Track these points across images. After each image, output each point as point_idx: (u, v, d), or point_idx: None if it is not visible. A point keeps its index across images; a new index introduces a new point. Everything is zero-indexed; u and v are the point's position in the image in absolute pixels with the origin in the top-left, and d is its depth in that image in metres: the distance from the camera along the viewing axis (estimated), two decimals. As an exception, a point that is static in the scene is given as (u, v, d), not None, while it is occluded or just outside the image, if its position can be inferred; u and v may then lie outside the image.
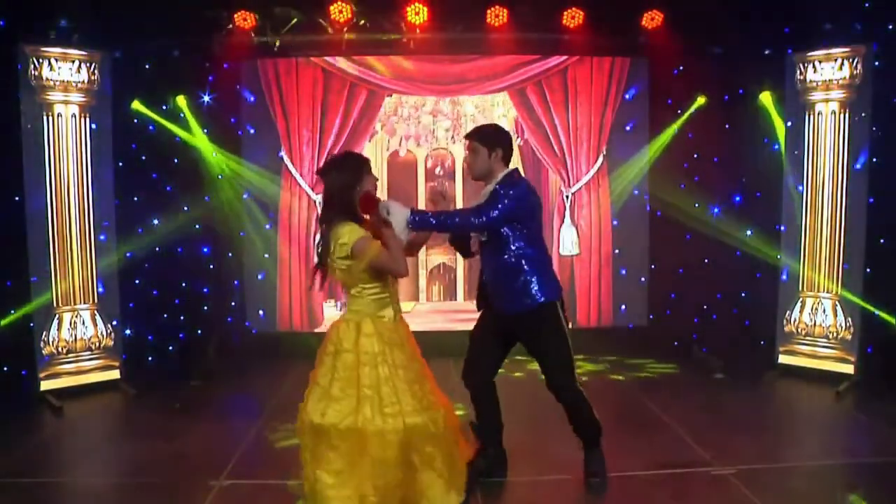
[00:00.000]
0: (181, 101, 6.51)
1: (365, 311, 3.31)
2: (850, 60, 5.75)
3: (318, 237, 3.47)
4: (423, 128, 7.13)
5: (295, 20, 6.48)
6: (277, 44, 6.59)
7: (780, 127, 6.33)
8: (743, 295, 6.80)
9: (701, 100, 6.76)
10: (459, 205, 7.17)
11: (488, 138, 3.80)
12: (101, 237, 5.94)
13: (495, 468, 4.00)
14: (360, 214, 3.36)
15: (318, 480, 3.17)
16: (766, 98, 6.35)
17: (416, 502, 3.28)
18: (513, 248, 3.71)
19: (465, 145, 3.89)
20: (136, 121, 6.36)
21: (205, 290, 6.80)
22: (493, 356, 3.99)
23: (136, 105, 6.31)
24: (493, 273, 3.79)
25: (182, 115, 6.58)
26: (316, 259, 3.45)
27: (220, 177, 6.77)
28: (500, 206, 3.64)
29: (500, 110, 7.16)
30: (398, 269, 3.30)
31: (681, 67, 6.73)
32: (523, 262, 3.71)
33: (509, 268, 3.72)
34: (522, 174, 3.97)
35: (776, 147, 6.38)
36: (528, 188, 3.81)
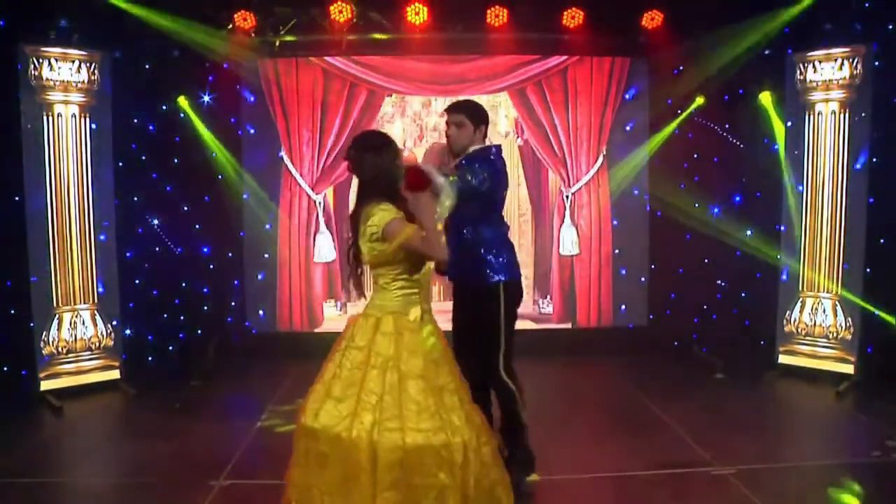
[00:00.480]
0: (183, 101, 6.52)
1: (388, 308, 2.99)
2: (850, 60, 5.75)
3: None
4: (424, 128, 7.13)
5: (295, 20, 6.49)
6: (277, 44, 6.59)
7: (779, 128, 6.33)
8: (743, 295, 6.80)
9: (700, 100, 6.76)
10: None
11: (476, 114, 3.75)
12: (101, 237, 5.94)
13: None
14: (405, 192, 3.01)
15: (309, 490, 2.89)
16: (765, 98, 6.35)
17: None
18: (475, 224, 3.70)
19: (448, 119, 3.76)
20: (135, 120, 6.36)
21: (205, 290, 6.80)
22: (485, 350, 3.82)
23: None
24: (455, 248, 3.57)
25: (183, 115, 6.58)
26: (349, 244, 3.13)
27: (220, 177, 6.77)
28: (480, 176, 3.57)
29: (501, 112, 7.16)
30: (437, 252, 2.97)
31: (681, 67, 6.73)
32: (484, 239, 3.70)
33: (470, 243, 3.69)
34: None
35: (776, 147, 6.38)
36: (497, 165, 3.75)
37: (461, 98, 4.42)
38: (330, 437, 2.83)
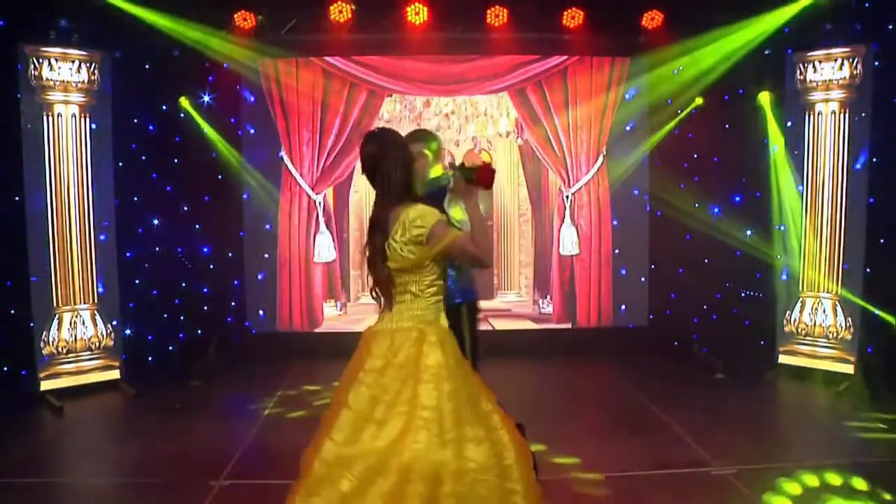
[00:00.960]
0: (184, 101, 6.53)
1: (427, 317, 2.73)
2: (850, 60, 5.75)
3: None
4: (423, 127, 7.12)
5: (295, 20, 6.49)
6: (277, 44, 6.59)
7: (773, 128, 6.33)
8: (743, 295, 6.80)
9: (699, 100, 6.77)
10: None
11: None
12: (101, 237, 5.94)
13: None
14: (477, 187, 2.83)
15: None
16: (763, 98, 6.36)
17: None
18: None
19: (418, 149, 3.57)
20: (135, 120, 6.37)
21: (205, 290, 6.80)
22: None
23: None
24: None
25: (183, 115, 6.58)
26: (367, 252, 2.79)
27: (219, 177, 6.77)
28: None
29: (497, 109, 7.17)
30: (488, 254, 2.77)
31: (681, 67, 6.73)
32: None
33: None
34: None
35: (776, 147, 6.37)
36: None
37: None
38: (371, 462, 2.53)
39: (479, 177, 2.83)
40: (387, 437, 2.54)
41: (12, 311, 5.64)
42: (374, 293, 2.80)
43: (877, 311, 5.73)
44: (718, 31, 6.30)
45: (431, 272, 2.73)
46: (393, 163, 2.72)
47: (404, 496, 2.47)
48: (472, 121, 7.12)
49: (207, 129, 6.60)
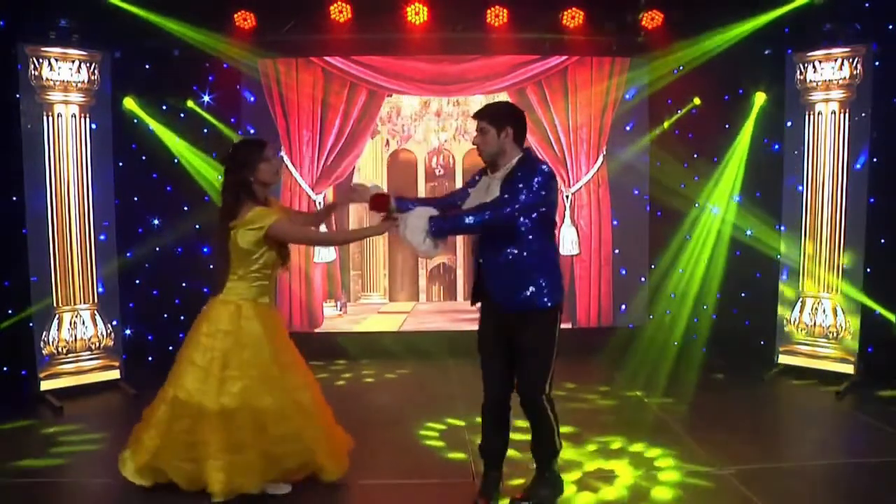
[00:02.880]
0: (190, 103, 6.58)
1: (245, 295, 3.82)
2: (850, 60, 5.75)
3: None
4: (424, 127, 7.13)
5: (295, 20, 6.49)
6: (277, 44, 6.59)
7: (746, 131, 6.50)
8: (743, 295, 6.81)
9: (696, 101, 6.77)
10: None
11: (497, 117, 3.48)
12: (101, 237, 5.94)
13: (492, 490, 3.75)
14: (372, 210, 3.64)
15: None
16: (759, 98, 6.39)
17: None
18: (526, 241, 3.41)
19: (476, 126, 3.54)
20: (136, 121, 6.36)
21: (205, 290, 6.78)
22: (504, 368, 3.62)
23: (129, 103, 6.30)
24: (499, 267, 3.45)
25: (183, 115, 6.59)
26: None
27: (219, 177, 6.76)
28: (524, 194, 3.33)
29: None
30: (314, 243, 4.12)
31: (681, 67, 6.73)
32: (537, 258, 3.43)
33: (520, 263, 3.42)
34: (539, 155, 3.70)
35: (777, 147, 6.38)
36: (551, 173, 3.47)
37: (491, 102, 4.25)
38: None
39: (373, 207, 3.55)
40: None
41: (11, 311, 5.65)
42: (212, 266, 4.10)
43: (877, 311, 5.74)
44: (718, 31, 6.31)
45: (257, 261, 3.80)
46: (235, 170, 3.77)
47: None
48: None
49: (167, 135, 6.55)
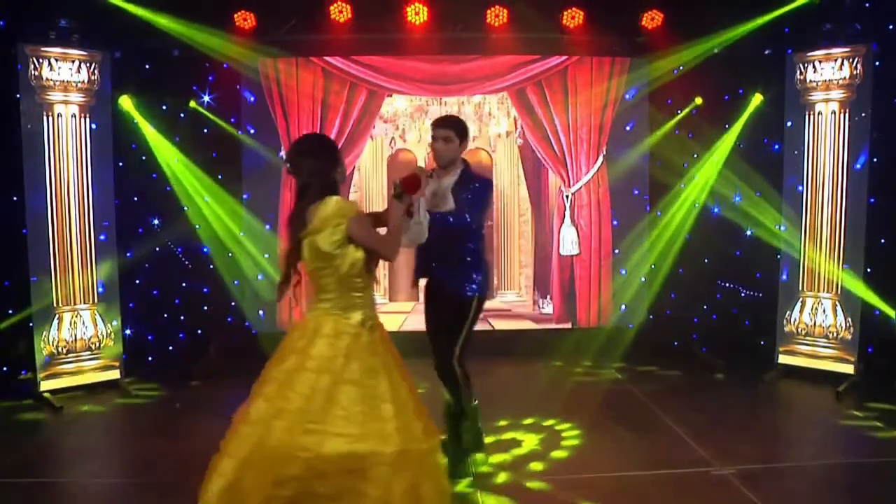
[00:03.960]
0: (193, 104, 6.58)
1: (331, 311, 2.98)
2: (850, 60, 5.75)
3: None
4: (423, 128, 7.13)
5: (295, 20, 6.49)
6: (277, 44, 6.59)
7: (734, 131, 6.53)
8: (743, 295, 6.80)
9: (699, 100, 6.77)
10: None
11: (461, 130, 3.99)
12: (101, 237, 5.94)
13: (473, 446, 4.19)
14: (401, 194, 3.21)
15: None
16: (756, 99, 6.40)
17: None
18: (473, 240, 3.98)
19: (436, 134, 3.97)
20: (135, 121, 6.37)
21: (205, 290, 6.80)
22: (446, 341, 4.06)
23: (124, 102, 6.26)
24: (450, 259, 3.94)
25: (183, 115, 6.59)
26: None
27: (220, 177, 6.77)
28: (485, 202, 4.01)
29: (493, 106, 7.17)
30: (390, 251, 3.08)
31: (681, 67, 6.73)
32: (478, 255, 4.02)
33: (466, 258, 3.96)
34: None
35: (777, 147, 6.38)
36: (492, 182, 4.19)
37: (446, 115, 4.56)
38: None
39: (404, 186, 3.22)
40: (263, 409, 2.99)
41: (11, 311, 5.65)
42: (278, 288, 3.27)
43: (877, 311, 5.74)
44: (718, 31, 6.31)
45: (340, 268, 2.96)
46: (310, 166, 3.05)
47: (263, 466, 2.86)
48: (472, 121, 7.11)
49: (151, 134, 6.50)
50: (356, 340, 2.93)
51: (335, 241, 2.91)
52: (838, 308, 5.91)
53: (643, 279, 7.14)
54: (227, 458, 2.98)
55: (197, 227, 6.69)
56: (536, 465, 4.28)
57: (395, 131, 7.19)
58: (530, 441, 4.67)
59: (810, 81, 5.96)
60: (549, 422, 5.04)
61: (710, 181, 6.77)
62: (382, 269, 7.21)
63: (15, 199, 5.57)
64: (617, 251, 7.16)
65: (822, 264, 5.96)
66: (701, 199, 6.85)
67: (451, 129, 3.96)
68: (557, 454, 4.46)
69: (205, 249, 6.77)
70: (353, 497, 2.78)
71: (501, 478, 4.08)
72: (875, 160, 5.76)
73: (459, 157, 4.02)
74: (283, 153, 6.91)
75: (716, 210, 6.91)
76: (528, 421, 5.04)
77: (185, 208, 6.64)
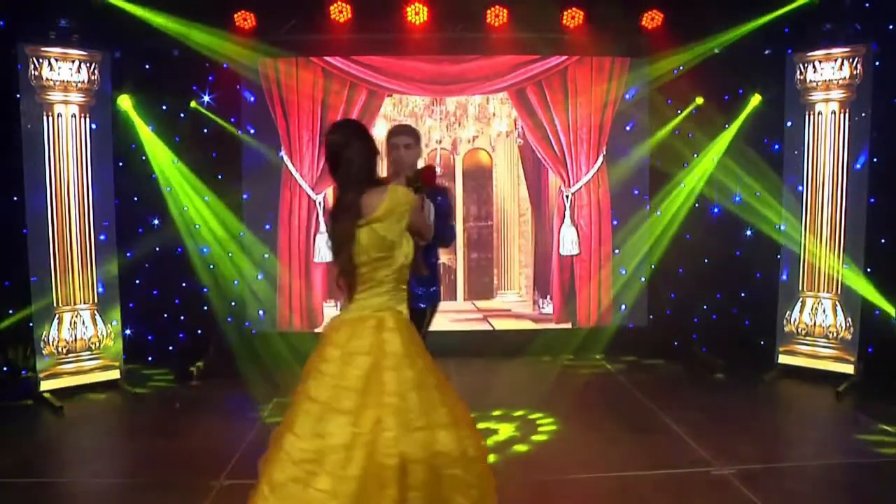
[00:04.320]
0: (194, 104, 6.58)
1: (386, 304, 2.79)
2: (850, 60, 5.75)
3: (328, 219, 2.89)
4: (423, 128, 7.13)
5: (295, 20, 6.49)
6: (277, 44, 6.59)
7: (730, 131, 6.52)
8: (743, 295, 6.81)
9: (700, 100, 6.77)
10: (460, 202, 7.19)
11: (418, 137, 4.05)
12: (101, 237, 5.94)
13: None
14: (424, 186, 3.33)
15: None
16: (754, 100, 6.41)
17: None
18: (435, 251, 4.03)
19: (397, 141, 3.93)
20: (135, 121, 6.37)
21: (205, 290, 6.80)
22: None
23: (122, 102, 6.23)
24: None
25: (183, 115, 6.59)
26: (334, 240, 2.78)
27: (219, 176, 6.77)
28: (452, 211, 4.16)
29: (493, 107, 7.17)
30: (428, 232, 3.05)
31: (681, 67, 6.73)
32: (437, 266, 4.09)
33: (429, 269, 3.91)
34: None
35: (777, 147, 6.38)
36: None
37: (404, 122, 4.62)
38: (343, 446, 2.56)
39: (424, 179, 3.35)
40: (358, 426, 2.56)
41: (12, 311, 5.65)
42: (339, 283, 2.80)
43: (878, 311, 5.74)
44: (718, 31, 6.31)
45: (398, 259, 2.77)
46: (357, 151, 2.78)
47: (378, 485, 2.52)
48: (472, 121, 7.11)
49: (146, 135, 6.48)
50: (413, 333, 2.82)
51: (401, 230, 2.76)
52: (838, 308, 5.91)
53: (643, 279, 7.14)
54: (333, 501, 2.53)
55: (197, 226, 6.69)
56: (536, 465, 4.28)
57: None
58: (530, 440, 4.67)
59: (810, 81, 5.96)
60: (549, 421, 5.04)
61: (711, 181, 6.78)
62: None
63: (15, 199, 5.57)
64: (617, 251, 7.16)
65: (822, 264, 5.96)
66: (701, 199, 6.86)
67: (410, 135, 3.97)
68: (557, 454, 4.46)
69: (205, 249, 6.77)
70: (463, 487, 2.68)
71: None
72: (875, 160, 5.76)
73: (416, 164, 4.00)
74: (283, 153, 6.91)
75: (716, 210, 6.92)
76: (527, 419, 5.04)
77: (185, 208, 6.64)
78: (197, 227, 6.68)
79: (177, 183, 6.59)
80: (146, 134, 6.42)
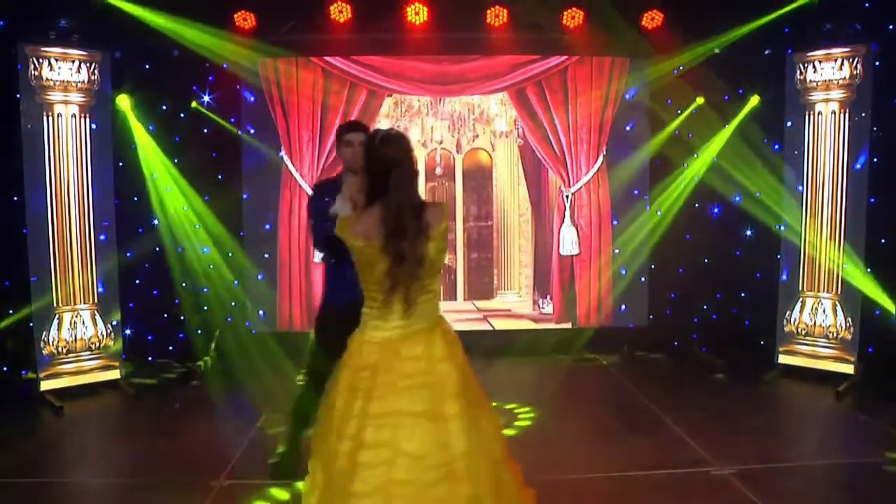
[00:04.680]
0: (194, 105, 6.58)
1: (436, 314, 2.87)
2: (850, 60, 5.75)
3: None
4: (423, 128, 7.13)
5: (295, 20, 6.49)
6: (277, 44, 6.59)
7: (727, 131, 6.54)
8: (743, 295, 6.81)
9: (700, 100, 6.77)
10: (460, 203, 7.20)
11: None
12: (101, 237, 5.94)
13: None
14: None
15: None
16: (752, 100, 6.42)
17: None
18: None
19: (352, 138, 3.90)
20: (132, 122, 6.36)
21: (205, 290, 6.80)
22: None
23: (121, 101, 6.17)
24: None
25: (183, 115, 6.59)
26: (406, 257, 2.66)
27: (219, 176, 6.77)
28: None
29: (496, 109, 7.17)
30: None
31: (681, 67, 6.73)
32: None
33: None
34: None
35: (777, 147, 6.38)
36: None
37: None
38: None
39: None
40: (470, 434, 2.62)
41: (12, 311, 5.65)
42: (407, 300, 2.70)
43: (877, 311, 5.74)
44: (719, 31, 6.31)
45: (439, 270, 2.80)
46: (411, 166, 2.75)
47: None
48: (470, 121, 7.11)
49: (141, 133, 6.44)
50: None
51: (444, 248, 2.78)
52: (838, 308, 5.91)
53: (643, 279, 7.14)
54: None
55: (197, 226, 6.69)
56: (536, 465, 4.28)
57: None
58: (530, 440, 4.67)
59: (810, 81, 5.96)
60: (549, 421, 5.04)
61: (711, 181, 6.78)
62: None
63: (15, 199, 5.57)
64: (617, 251, 7.16)
65: (822, 264, 5.96)
66: (701, 199, 6.86)
67: (363, 132, 3.88)
68: (557, 454, 4.46)
69: (205, 249, 6.77)
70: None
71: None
72: (875, 160, 5.76)
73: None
74: (283, 153, 6.91)
75: (716, 210, 6.92)
76: (526, 420, 5.04)
77: (185, 208, 6.64)
78: (197, 227, 6.69)
79: (176, 183, 6.58)
80: (141, 135, 6.39)
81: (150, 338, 6.61)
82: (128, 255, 6.29)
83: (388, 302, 2.71)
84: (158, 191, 6.53)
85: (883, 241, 5.79)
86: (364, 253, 2.68)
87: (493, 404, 4.95)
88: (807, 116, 6.01)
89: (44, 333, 5.65)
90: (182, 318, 6.74)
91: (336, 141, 4.01)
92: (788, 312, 6.20)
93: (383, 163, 2.71)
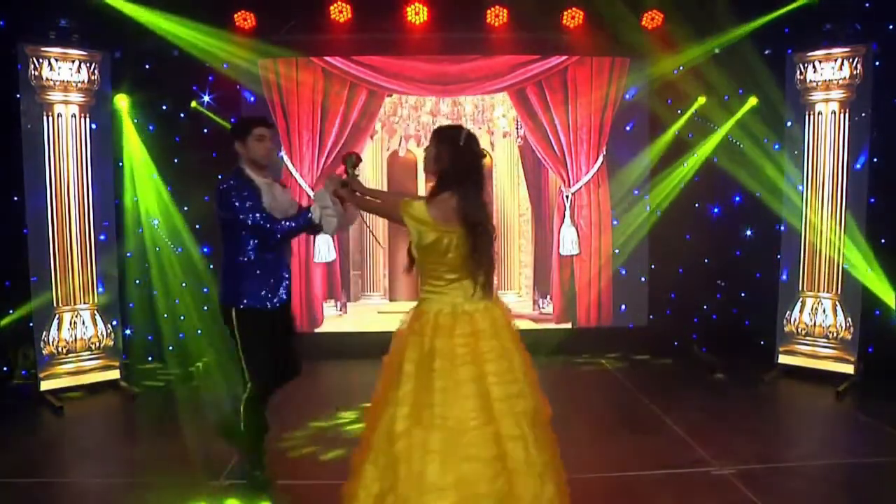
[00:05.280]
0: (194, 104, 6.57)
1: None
2: (850, 60, 5.75)
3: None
4: (423, 128, 7.13)
5: (295, 20, 6.49)
6: (277, 44, 6.59)
7: (722, 131, 6.57)
8: (743, 295, 6.81)
9: (701, 100, 6.77)
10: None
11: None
12: (101, 237, 5.94)
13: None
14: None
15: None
16: (750, 101, 6.42)
17: None
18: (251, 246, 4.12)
19: (268, 132, 4.16)
20: (135, 120, 6.36)
21: (205, 290, 6.80)
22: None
23: (119, 101, 6.18)
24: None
25: (183, 115, 6.59)
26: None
27: (220, 176, 6.75)
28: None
29: (499, 110, 7.17)
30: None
31: (681, 67, 6.73)
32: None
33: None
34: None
35: (777, 147, 6.39)
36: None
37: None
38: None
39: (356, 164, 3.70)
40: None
41: (11, 311, 5.65)
42: (488, 278, 3.14)
43: (877, 311, 5.74)
44: (719, 31, 6.32)
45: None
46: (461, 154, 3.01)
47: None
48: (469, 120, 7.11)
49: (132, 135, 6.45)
50: None
51: None
52: (838, 308, 5.91)
53: (643, 279, 7.14)
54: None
55: (197, 226, 6.69)
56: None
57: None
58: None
59: (810, 81, 5.96)
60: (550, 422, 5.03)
61: (711, 181, 6.78)
62: (382, 269, 7.21)
63: (15, 199, 5.58)
64: (617, 251, 7.16)
65: (822, 265, 5.96)
66: (701, 199, 6.87)
67: (272, 128, 4.23)
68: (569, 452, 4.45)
69: (205, 249, 6.77)
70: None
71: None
72: (875, 160, 5.76)
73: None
74: (283, 153, 6.91)
75: (716, 210, 6.92)
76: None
77: (186, 209, 6.64)
78: (197, 226, 6.68)
79: (176, 183, 6.58)
80: (133, 136, 6.37)
81: (150, 338, 6.61)
82: (128, 255, 6.29)
83: (457, 280, 3.03)
84: (160, 191, 6.54)
85: (883, 241, 5.79)
86: (444, 236, 2.92)
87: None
88: (807, 116, 6.01)
89: (44, 333, 5.65)
90: (182, 317, 6.74)
91: (237, 135, 4.08)
92: (788, 312, 6.20)
93: (474, 156, 2.99)
